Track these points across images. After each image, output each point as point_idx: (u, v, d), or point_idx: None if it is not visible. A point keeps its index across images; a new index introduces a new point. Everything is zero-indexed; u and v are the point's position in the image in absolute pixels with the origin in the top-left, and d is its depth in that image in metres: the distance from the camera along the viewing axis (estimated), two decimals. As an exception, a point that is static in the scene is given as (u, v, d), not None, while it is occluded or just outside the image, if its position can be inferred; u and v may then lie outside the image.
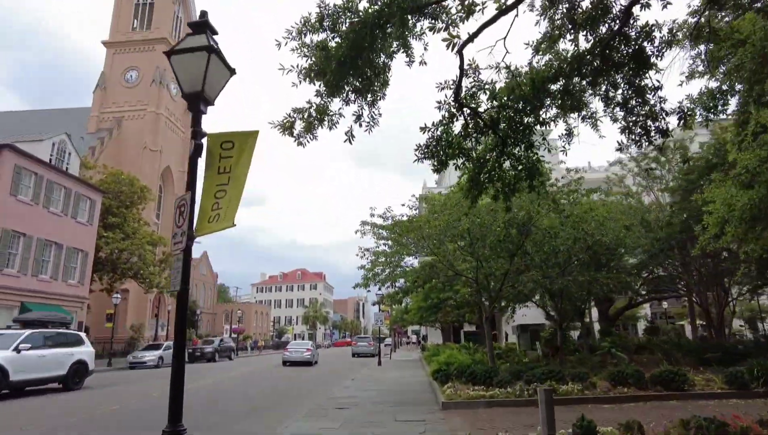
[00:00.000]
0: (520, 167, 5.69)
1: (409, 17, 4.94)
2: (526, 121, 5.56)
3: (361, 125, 5.71)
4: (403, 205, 13.14)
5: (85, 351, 17.19)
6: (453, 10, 5.18)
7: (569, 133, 6.10)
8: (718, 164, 16.37)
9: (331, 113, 5.60)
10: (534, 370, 12.26)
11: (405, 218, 12.52)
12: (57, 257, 27.91)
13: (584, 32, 5.41)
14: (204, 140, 4.25)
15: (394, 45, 5.26)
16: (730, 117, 12.38)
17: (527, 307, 31.30)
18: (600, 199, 17.02)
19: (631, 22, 5.33)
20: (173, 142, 56.78)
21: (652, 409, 10.20)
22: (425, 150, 5.71)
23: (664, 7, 5.09)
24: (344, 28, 4.97)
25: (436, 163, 5.67)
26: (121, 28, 57.07)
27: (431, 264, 13.82)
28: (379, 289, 17.09)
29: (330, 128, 5.68)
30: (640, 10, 5.17)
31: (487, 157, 5.79)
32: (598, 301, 36.17)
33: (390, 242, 13.62)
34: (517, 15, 5.35)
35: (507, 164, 5.85)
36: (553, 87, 5.50)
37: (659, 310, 56.75)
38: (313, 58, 5.18)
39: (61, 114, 55.14)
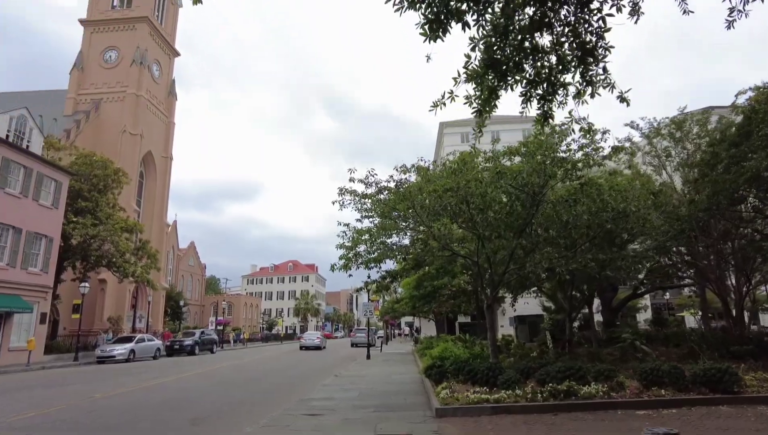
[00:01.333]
0: (566, 46, 3.49)
1: None
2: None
3: None
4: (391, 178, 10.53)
5: None
6: None
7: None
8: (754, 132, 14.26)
9: None
10: (547, 367, 10.13)
11: (392, 184, 10.31)
12: (15, 242, 25.49)
13: None
14: None
15: None
16: None
17: (529, 295, 29.36)
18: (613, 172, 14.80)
19: None
20: (155, 126, 54.09)
21: (700, 419, 8.08)
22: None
23: None
24: None
25: (428, 15, 3.39)
26: (99, 6, 54.11)
27: (424, 240, 11.62)
28: (369, 276, 14.73)
29: None
30: None
31: (518, 18, 3.50)
32: (601, 289, 34.29)
33: (374, 215, 11.39)
34: None
35: (545, 41, 3.67)
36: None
37: (659, 301, 55.04)
38: None
39: (37, 96, 52.28)
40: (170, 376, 18.74)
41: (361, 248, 11.71)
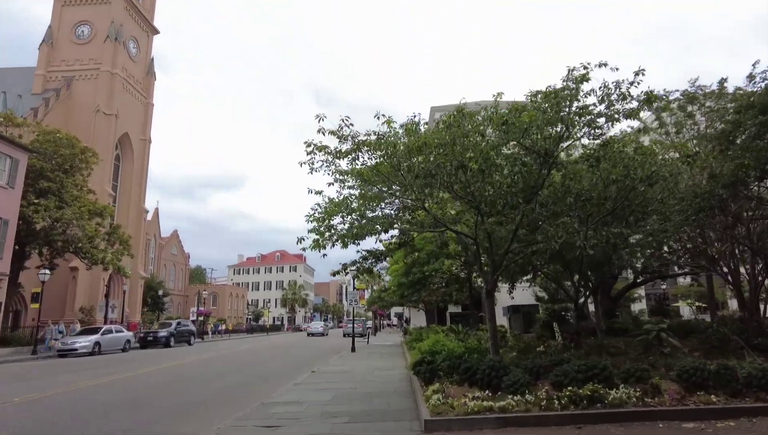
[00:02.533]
0: None
1: None
2: None
3: None
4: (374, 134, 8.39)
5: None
6: None
7: None
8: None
9: None
10: (563, 366, 8.20)
11: (373, 138, 8.18)
12: (-37, 224, 23.10)
13: None
14: None
15: None
16: None
17: (521, 284, 27.59)
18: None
19: None
20: (132, 107, 51.30)
21: (772, 435, 6.20)
22: None
23: None
24: None
25: None
26: (71, -22, 50.99)
27: (412, 209, 9.51)
28: (357, 263, 12.41)
29: None
30: None
31: None
32: (601, 276, 32.70)
33: (350, 179, 9.26)
34: None
35: None
36: None
37: (654, 290, 53.71)
38: None
39: (2, 73, 49.25)
40: (129, 371, 16.65)
41: (336, 221, 9.66)
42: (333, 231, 9.57)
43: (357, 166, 8.91)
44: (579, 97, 8.90)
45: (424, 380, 9.96)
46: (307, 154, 8.77)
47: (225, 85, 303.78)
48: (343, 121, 8.23)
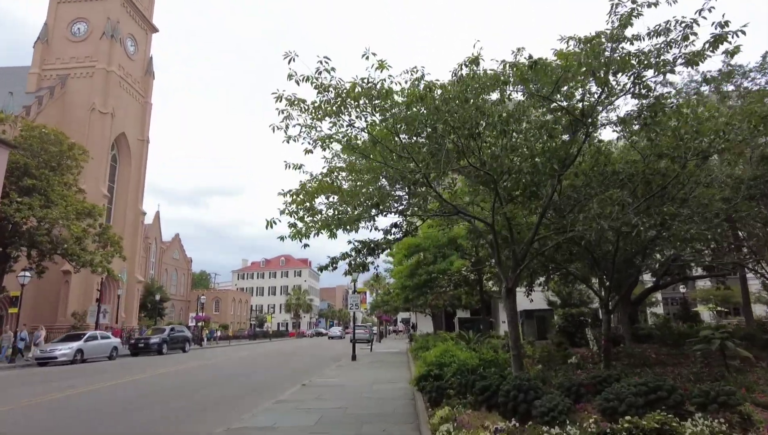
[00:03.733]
0: None
1: None
2: None
3: None
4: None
5: None
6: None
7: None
8: None
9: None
10: (614, 386, 6.19)
11: (360, 88, 6.21)
12: (-67, 222, 21.43)
13: None
14: None
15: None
16: None
17: (538, 286, 25.43)
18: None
19: None
20: (130, 106, 49.84)
21: None
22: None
23: None
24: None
25: None
26: (68, -25, 49.77)
27: (412, 182, 7.48)
28: (352, 262, 10.14)
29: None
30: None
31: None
32: (626, 277, 30.72)
33: (336, 142, 7.26)
34: None
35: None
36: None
37: (673, 294, 51.10)
38: None
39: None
40: (97, 383, 14.78)
41: (320, 201, 7.73)
42: (318, 216, 7.64)
43: (343, 129, 6.98)
44: (624, 44, 6.96)
45: (430, 401, 7.99)
46: (280, 114, 6.84)
47: (218, 78, 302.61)
48: (321, 63, 6.27)
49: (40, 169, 29.00)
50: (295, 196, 7.52)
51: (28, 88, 45.55)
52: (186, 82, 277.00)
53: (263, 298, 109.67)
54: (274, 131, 7.28)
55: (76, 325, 38.74)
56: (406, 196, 8.14)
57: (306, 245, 8.57)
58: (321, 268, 9.48)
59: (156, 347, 31.46)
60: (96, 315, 35.78)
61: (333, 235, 8.91)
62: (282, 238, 8.54)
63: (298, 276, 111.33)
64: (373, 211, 7.87)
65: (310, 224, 8.09)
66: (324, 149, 7.15)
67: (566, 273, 15.20)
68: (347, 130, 6.92)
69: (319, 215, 8.18)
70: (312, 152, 7.21)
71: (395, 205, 8.37)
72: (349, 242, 9.33)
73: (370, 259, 9.45)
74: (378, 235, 9.62)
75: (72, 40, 47.72)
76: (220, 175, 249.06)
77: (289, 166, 7.83)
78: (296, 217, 7.67)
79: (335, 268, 9.31)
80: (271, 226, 7.24)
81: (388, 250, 28.31)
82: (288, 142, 7.38)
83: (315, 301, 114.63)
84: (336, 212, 7.92)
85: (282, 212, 7.52)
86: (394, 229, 9.85)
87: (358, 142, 7.08)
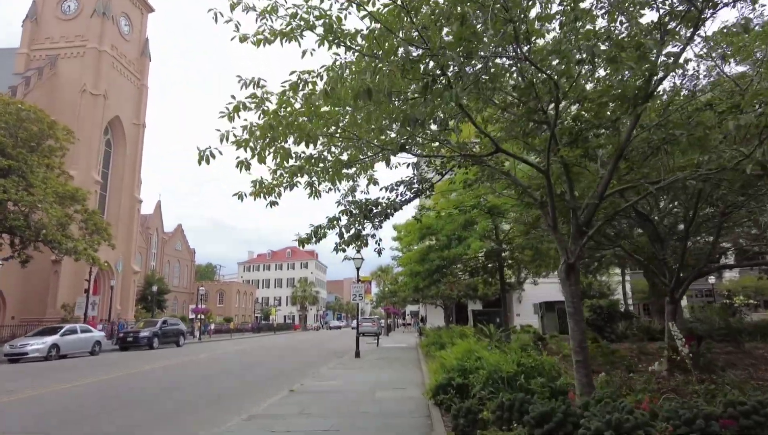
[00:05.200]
0: None
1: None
2: None
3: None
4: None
5: None
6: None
7: None
8: None
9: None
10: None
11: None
12: None
13: None
14: None
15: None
16: None
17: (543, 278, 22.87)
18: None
19: None
20: (124, 88, 47.42)
21: None
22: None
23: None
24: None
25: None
26: (58, -49, 47.26)
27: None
28: (337, 213, 7.27)
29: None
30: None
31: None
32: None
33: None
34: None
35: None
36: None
37: (700, 286, 47.96)
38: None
39: (-14, 53, 45.76)
40: (54, 385, 12.36)
41: (291, 143, 5.12)
42: (291, 161, 5.03)
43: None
44: None
45: (458, 429, 5.34)
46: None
47: (214, 71, 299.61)
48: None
49: (17, 148, 26.65)
50: (258, 125, 4.85)
51: (16, 69, 43.27)
52: (184, 75, 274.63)
53: (269, 291, 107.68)
54: (230, 38, 4.62)
55: (66, 317, 36.61)
56: (430, 129, 5.42)
57: (273, 204, 5.95)
58: (301, 242, 6.85)
59: (146, 341, 29.18)
60: (84, 307, 33.59)
61: (315, 194, 6.30)
62: (240, 197, 5.89)
63: (305, 268, 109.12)
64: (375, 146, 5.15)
65: (281, 173, 5.46)
66: (289, 40, 4.48)
67: (623, 253, 12.43)
68: (327, 4, 4.23)
69: (292, 160, 5.54)
70: (269, 43, 4.53)
71: (417, 140, 5.66)
72: (338, 203, 6.69)
73: (368, 227, 6.81)
74: (379, 195, 6.99)
75: (62, 18, 45.30)
76: (223, 166, 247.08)
77: (246, 84, 5.12)
78: (252, 153, 5.01)
79: (319, 239, 6.69)
80: (206, 161, 4.62)
81: (396, 234, 25.54)
82: (257, 41, 4.71)
83: (322, 293, 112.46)
84: (326, 157, 5.27)
85: (224, 139, 4.85)
86: (402, 188, 7.19)
87: (344, 27, 4.39)
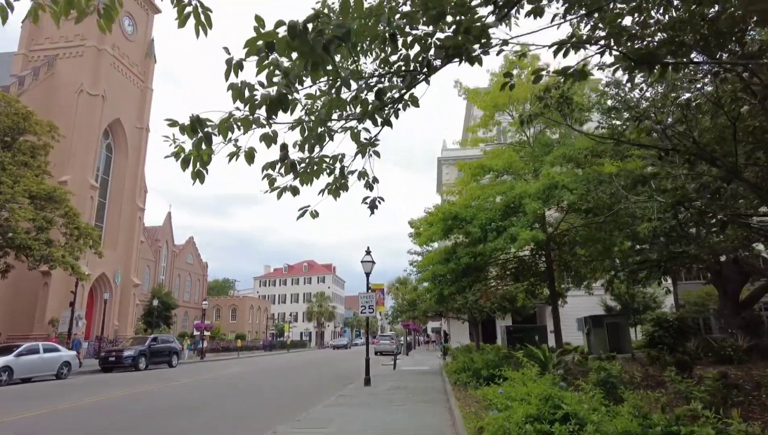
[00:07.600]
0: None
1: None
2: None
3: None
4: None
5: None
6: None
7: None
8: None
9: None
10: None
11: None
12: None
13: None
14: None
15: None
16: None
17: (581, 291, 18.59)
18: None
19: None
20: (126, 90, 44.85)
21: None
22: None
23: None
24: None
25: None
26: (61, -50, 45.39)
27: None
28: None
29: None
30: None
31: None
32: (724, 279, 23.61)
33: None
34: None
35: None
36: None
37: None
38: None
39: (-16, 55, 43.81)
40: None
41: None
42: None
43: None
44: None
45: None
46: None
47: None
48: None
49: (-13, 142, 23.67)
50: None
51: (13, 71, 41.04)
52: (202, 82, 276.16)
53: (285, 306, 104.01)
54: None
55: (53, 334, 33.31)
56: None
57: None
58: (266, 191, 2.86)
59: (131, 362, 25.58)
60: (69, 322, 30.21)
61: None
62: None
63: (322, 282, 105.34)
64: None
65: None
66: None
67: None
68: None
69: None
70: None
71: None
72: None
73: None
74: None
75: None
76: (242, 182, 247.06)
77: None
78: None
79: (275, 183, 2.71)
80: None
81: (412, 230, 21.04)
82: None
83: (339, 308, 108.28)
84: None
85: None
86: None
87: None
